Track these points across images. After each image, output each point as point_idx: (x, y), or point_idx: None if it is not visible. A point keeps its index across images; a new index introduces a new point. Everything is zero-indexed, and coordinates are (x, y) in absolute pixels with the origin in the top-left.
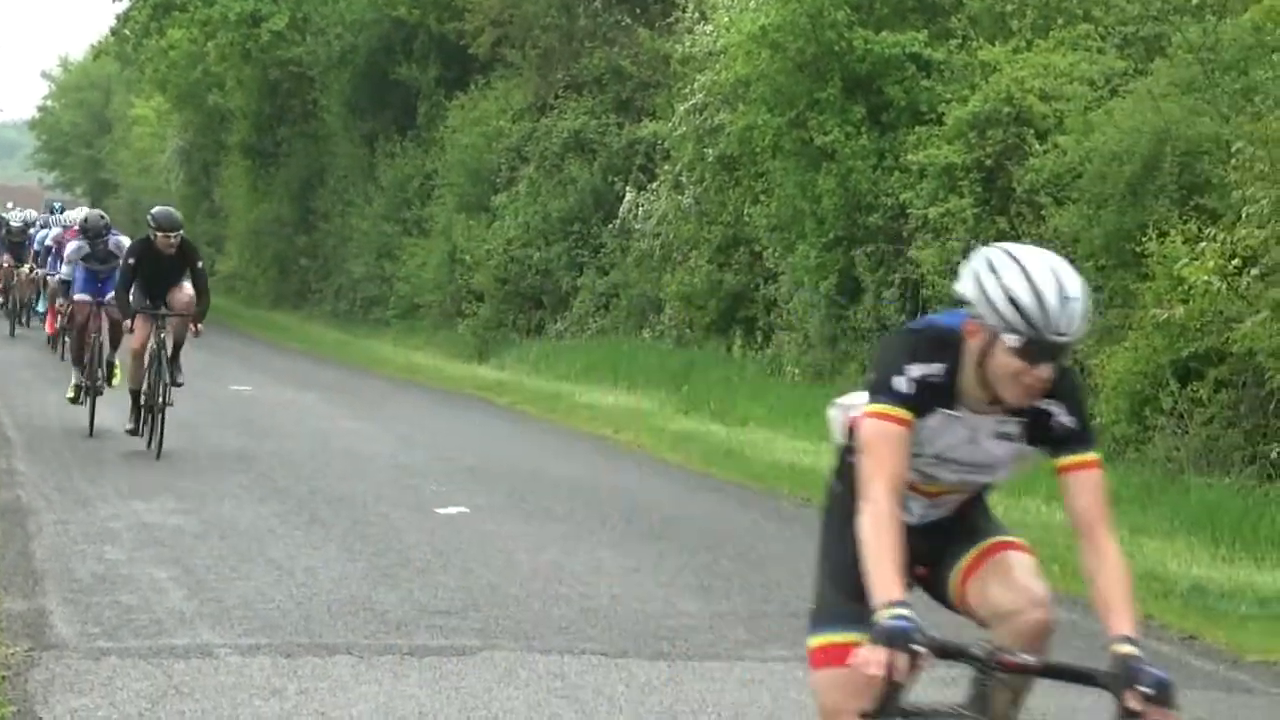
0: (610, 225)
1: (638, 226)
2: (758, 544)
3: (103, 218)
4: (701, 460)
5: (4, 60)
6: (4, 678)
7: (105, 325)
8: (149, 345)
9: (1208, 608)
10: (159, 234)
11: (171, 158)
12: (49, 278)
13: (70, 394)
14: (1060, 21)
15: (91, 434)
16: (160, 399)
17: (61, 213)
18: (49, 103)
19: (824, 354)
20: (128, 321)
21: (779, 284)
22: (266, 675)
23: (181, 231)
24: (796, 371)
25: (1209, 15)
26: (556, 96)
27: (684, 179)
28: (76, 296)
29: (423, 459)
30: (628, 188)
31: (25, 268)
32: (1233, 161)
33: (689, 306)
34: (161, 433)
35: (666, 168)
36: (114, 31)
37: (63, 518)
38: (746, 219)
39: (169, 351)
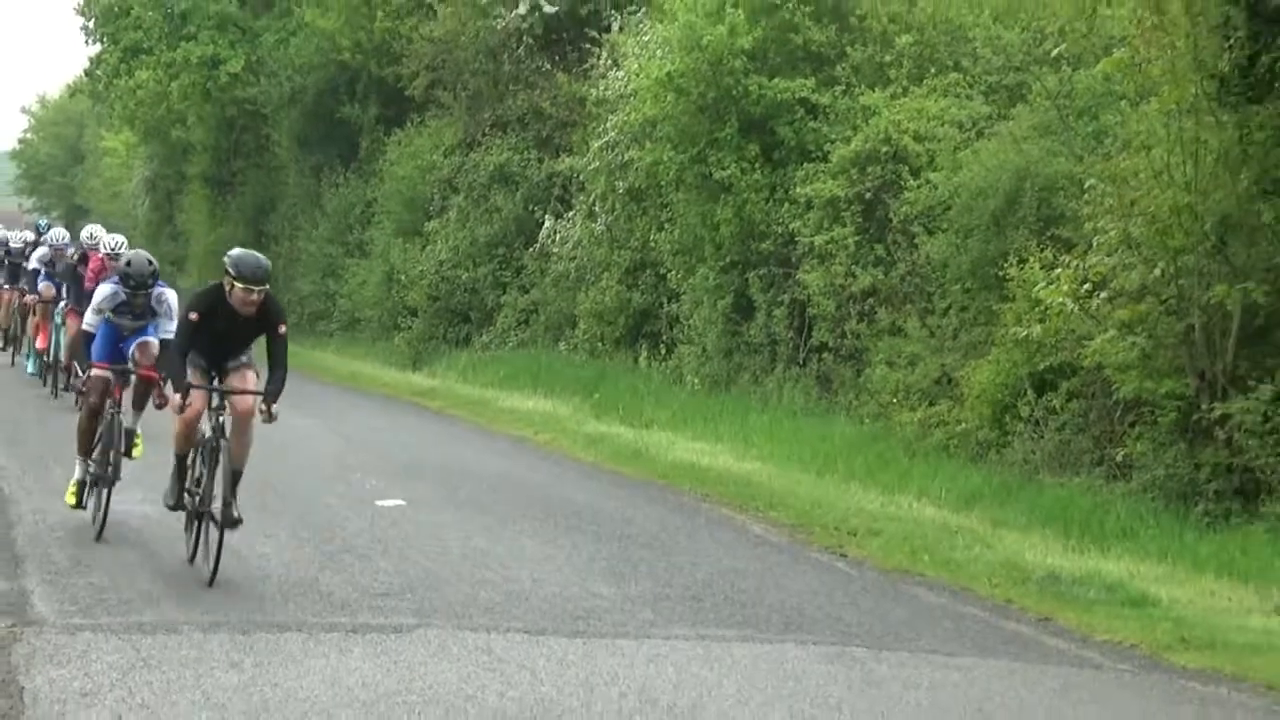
0: (531, 249)
1: (555, 250)
2: (662, 534)
3: (151, 262)
4: (611, 459)
5: None
6: None
7: (129, 393)
8: (201, 430)
9: (1060, 593)
10: (239, 286)
11: (138, 186)
12: (35, 300)
13: (70, 495)
14: (933, 71)
15: (100, 537)
16: (213, 502)
17: (48, 230)
18: (28, 135)
19: (720, 365)
20: (176, 398)
21: (681, 303)
22: (225, 650)
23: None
24: (696, 381)
25: (1065, 66)
26: (483, 134)
27: (597, 208)
28: (94, 369)
29: (363, 456)
30: (546, 216)
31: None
32: (1085, 197)
33: (600, 322)
34: (219, 549)
35: (581, 198)
36: (87, 72)
37: (40, 507)
38: (652, 245)
39: (227, 442)
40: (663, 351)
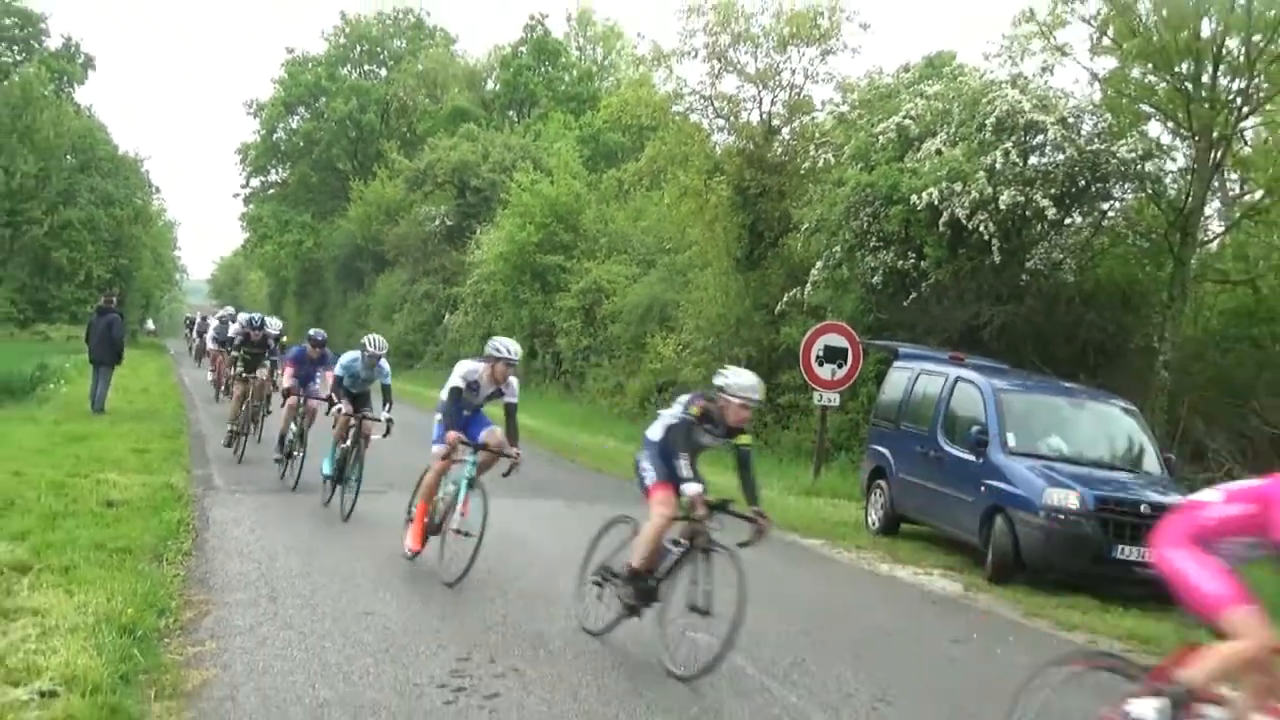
0: (439, 327)
1: (450, 328)
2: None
3: None
4: None
5: (190, 252)
6: (195, 499)
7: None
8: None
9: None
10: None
11: (265, 298)
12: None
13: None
14: (615, 252)
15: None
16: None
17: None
18: (215, 272)
19: (524, 379)
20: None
21: None
22: (305, 506)
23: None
24: None
25: (672, 252)
26: (419, 277)
27: (469, 310)
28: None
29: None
30: (446, 313)
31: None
32: (680, 309)
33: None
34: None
35: (462, 305)
36: (242, 245)
37: (217, 441)
38: (492, 326)
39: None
40: None
